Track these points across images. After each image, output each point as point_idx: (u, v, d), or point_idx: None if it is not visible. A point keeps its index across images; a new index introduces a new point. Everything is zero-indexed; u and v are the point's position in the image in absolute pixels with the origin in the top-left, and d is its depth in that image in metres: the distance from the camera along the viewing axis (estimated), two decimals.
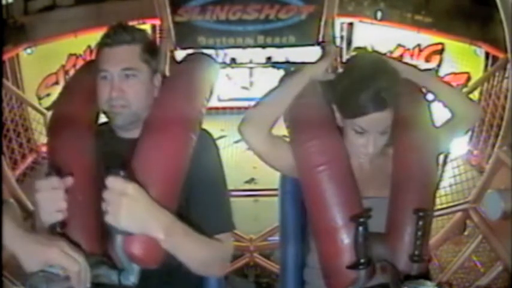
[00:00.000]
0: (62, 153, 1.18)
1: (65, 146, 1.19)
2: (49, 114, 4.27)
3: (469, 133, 4.10)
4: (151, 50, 1.24)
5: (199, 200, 1.20)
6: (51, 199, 1.00)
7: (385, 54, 1.33)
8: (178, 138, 1.14)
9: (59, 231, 1.00)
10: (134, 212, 0.96)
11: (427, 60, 5.27)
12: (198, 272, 1.20)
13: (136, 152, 1.12)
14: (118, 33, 1.19)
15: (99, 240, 1.07)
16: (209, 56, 1.45)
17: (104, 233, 1.03)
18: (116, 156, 1.15)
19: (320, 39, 5.93)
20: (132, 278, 1.03)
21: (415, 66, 1.40)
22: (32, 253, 0.89)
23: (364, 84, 1.18)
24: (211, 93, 1.31)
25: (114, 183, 0.95)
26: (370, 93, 1.16)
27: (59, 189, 1.00)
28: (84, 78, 1.31)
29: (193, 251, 1.10)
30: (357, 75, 1.21)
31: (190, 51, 5.94)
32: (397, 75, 1.25)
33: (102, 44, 1.20)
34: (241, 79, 6.02)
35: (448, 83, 1.43)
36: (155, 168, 1.09)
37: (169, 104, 1.19)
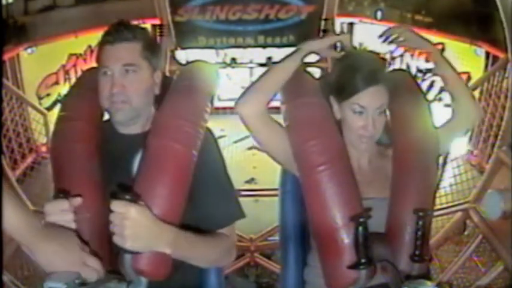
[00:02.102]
0: (68, 166, 1.19)
1: (71, 155, 1.20)
2: (49, 114, 4.29)
3: (469, 133, 4.10)
4: (151, 48, 1.26)
5: (202, 197, 1.21)
6: (61, 222, 1.03)
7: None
8: (180, 157, 1.13)
9: None
10: (138, 233, 1.00)
11: (428, 59, 5.26)
12: (207, 267, 1.29)
13: (138, 172, 1.13)
14: (119, 31, 1.21)
15: (108, 256, 1.09)
16: (210, 64, 1.44)
17: (112, 248, 1.05)
18: (120, 158, 1.19)
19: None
20: None
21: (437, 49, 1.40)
22: (56, 262, 0.94)
23: (358, 66, 1.25)
24: (212, 103, 1.31)
25: (118, 207, 0.99)
26: (364, 73, 1.24)
27: (67, 211, 1.04)
28: (90, 80, 1.33)
29: (201, 255, 1.16)
30: (350, 60, 1.28)
31: (190, 51, 5.98)
32: (386, 60, 1.33)
33: (104, 42, 1.22)
34: (241, 79, 6.02)
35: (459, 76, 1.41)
36: (158, 188, 1.09)
37: (169, 124, 1.17)
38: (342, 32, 1.26)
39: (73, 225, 1.05)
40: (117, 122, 1.25)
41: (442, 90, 5.13)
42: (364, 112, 1.24)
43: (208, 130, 1.26)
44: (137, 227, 1.00)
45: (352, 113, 1.26)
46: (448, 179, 3.04)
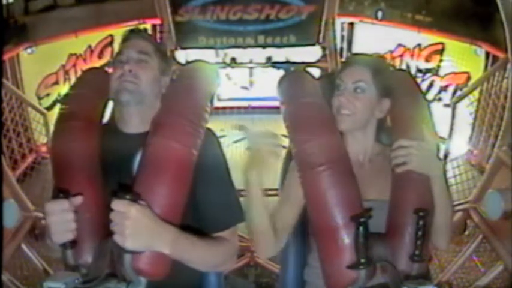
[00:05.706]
0: (68, 165, 1.19)
1: (70, 154, 1.20)
2: (49, 114, 4.29)
3: (469, 133, 4.10)
4: (163, 55, 1.34)
5: (204, 198, 1.21)
6: (61, 221, 1.05)
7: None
8: (180, 156, 1.13)
9: (69, 249, 1.07)
10: (138, 233, 1.00)
11: (428, 60, 5.26)
12: (207, 271, 1.29)
13: (138, 171, 1.13)
14: (136, 31, 1.35)
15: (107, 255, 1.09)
16: (210, 64, 1.45)
17: (112, 248, 1.05)
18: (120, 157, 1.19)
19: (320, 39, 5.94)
20: None
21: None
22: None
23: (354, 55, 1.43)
24: (212, 103, 1.31)
25: (119, 206, 1.00)
26: (353, 56, 1.45)
27: (68, 211, 1.05)
28: (89, 80, 1.37)
29: (201, 258, 1.15)
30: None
31: (190, 51, 5.97)
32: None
33: (122, 40, 1.32)
34: (241, 79, 6.02)
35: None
36: (158, 187, 1.09)
37: (168, 123, 1.17)
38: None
39: (73, 225, 1.05)
40: (122, 102, 1.25)
41: (441, 90, 5.14)
42: (342, 85, 1.31)
43: (211, 131, 1.27)
44: (138, 226, 1.00)
45: (336, 91, 1.32)
46: (448, 179, 3.04)
